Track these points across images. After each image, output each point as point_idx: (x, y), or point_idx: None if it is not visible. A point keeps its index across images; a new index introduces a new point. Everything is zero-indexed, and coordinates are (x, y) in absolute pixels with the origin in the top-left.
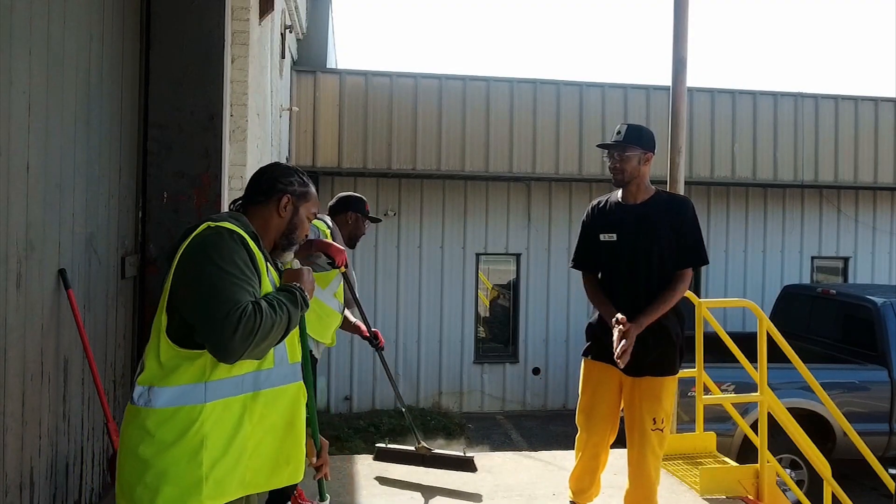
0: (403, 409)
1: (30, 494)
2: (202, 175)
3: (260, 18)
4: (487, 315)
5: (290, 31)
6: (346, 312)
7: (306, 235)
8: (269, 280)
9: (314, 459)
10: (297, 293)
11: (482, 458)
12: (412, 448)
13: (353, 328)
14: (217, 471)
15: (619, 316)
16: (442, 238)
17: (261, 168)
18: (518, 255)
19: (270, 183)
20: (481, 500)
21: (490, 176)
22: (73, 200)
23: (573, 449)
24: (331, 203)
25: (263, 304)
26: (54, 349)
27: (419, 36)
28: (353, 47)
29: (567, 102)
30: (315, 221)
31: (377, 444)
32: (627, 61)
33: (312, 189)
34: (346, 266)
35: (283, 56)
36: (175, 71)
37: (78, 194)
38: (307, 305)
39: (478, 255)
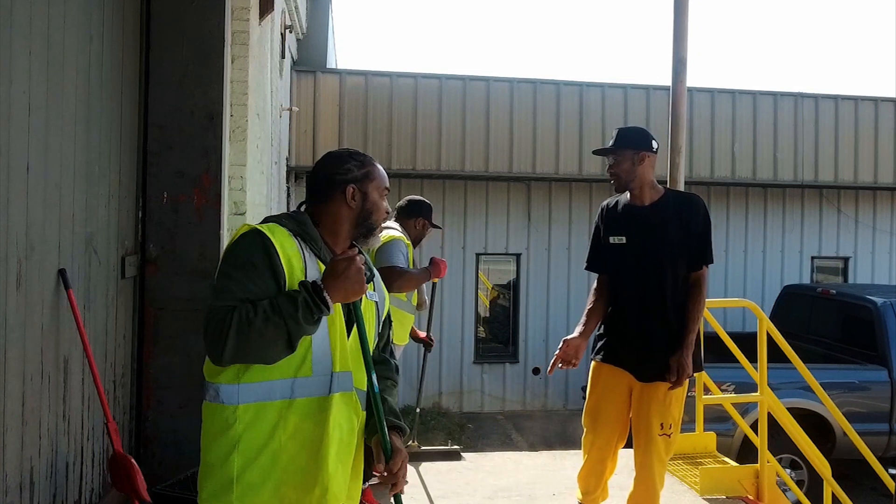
0: (417, 410)
1: (30, 494)
2: (202, 175)
3: (260, 18)
4: (487, 315)
5: (290, 31)
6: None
7: (387, 213)
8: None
9: (381, 467)
10: (302, 295)
11: (482, 458)
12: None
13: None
14: (248, 476)
15: (566, 342)
16: (442, 238)
17: (315, 164)
18: (518, 255)
19: (327, 179)
20: (480, 500)
21: (490, 176)
22: (73, 200)
23: (573, 449)
24: (401, 205)
25: (246, 309)
26: (54, 349)
27: (419, 36)
28: (353, 47)
29: (567, 102)
30: (395, 234)
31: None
32: (627, 61)
33: (375, 165)
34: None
35: (283, 56)
36: (175, 71)
37: (78, 194)
38: (325, 305)
39: (478, 255)
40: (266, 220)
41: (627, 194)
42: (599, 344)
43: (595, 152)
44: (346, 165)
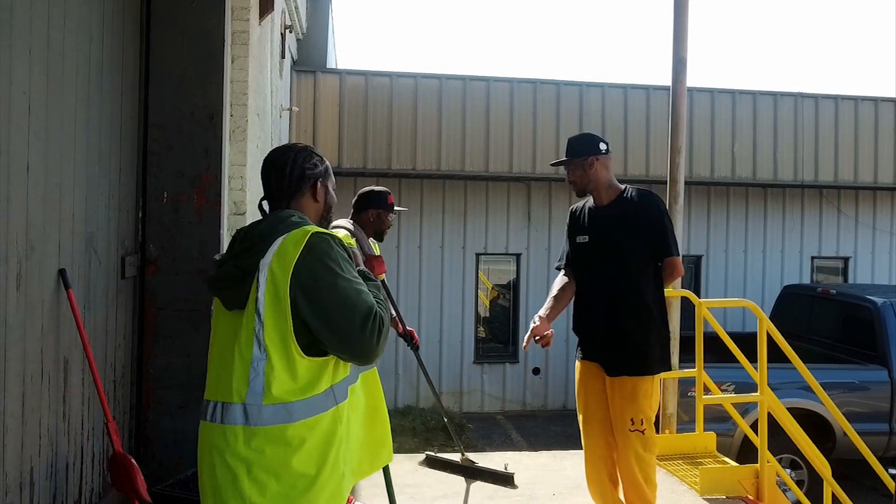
0: (445, 420)
1: (30, 494)
2: (202, 175)
3: (260, 18)
4: (487, 315)
5: (290, 31)
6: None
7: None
8: None
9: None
10: (380, 283)
11: (482, 458)
12: (458, 459)
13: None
14: (349, 466)
15: (537, 317)
16: (442, 238)
17: (275, 160)
18: (518, 255)
19: (300, 175)
20: (481, 500)
21: (490, 176)
22: (73, 200)
23: (573, 449)
24: (354, 201)
25: (378, 300)
26: (54, 349)
27: (419, 36)
28: (353, 47)
29: (567, 102)
30: (336, 232)
31: (427, 452)
32: (627, 61)
33: (327, 162)
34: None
35: (283, 56)
36: (175, 71)
37: (78, 194)
38: None
39: (478, 255)
40: (302, 224)
41: (591, 198)
42: (578, 342)
43: (553, 164)
44: (312, 160)
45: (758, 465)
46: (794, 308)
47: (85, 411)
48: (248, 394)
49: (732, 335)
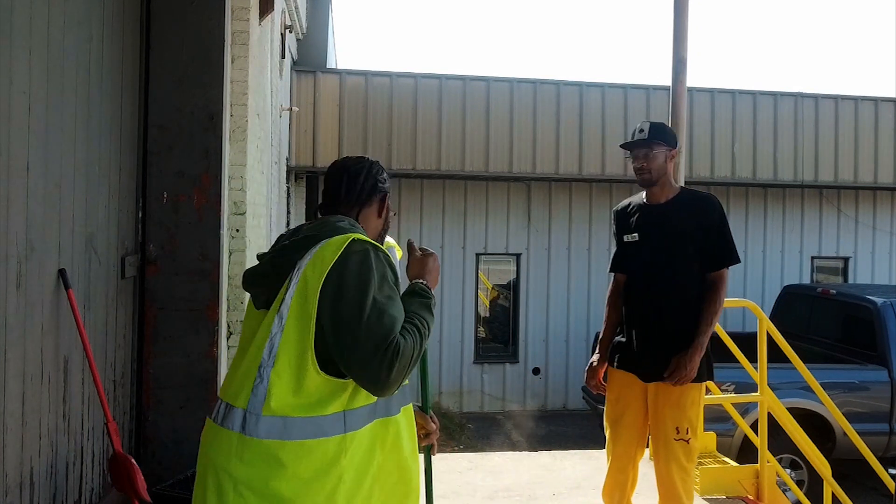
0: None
1: (30, 494)
2: (202, 175)
3: (260, 18)
4: (487, 315)
5: (290, 31)
6: None
7: None
8: None
9: (433, 426)
10: (431, 296)
11: (482, 458)
12: None
13: None
14: None
15: (594, 359)
16: (442, 238)
17: (349, 167)
18: (518, 255)
19: (372, 185)
20: (480, 500)
21: (490, 176)
22: (73, 200)
23: (573, 449)
24: None
25: (409, 326)
26: (54, 349)
27: (419, 36)
28: (353, 47)
29: (567, 102)
30: (390, 241)
31: None
32: (627, 61)
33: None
34: None
35: (283, 56)
36: (175, 71)
37: (78, 194)
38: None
39: (478, 255)
40: (347, 231)
41: (643, 194)
42: (613, 348)
43: (625, 146)
44: (383, 175)
45: (758, 465)
46: (794, 308)
47: (85, 411)
48: (250, 400)
49: (732, 335)
